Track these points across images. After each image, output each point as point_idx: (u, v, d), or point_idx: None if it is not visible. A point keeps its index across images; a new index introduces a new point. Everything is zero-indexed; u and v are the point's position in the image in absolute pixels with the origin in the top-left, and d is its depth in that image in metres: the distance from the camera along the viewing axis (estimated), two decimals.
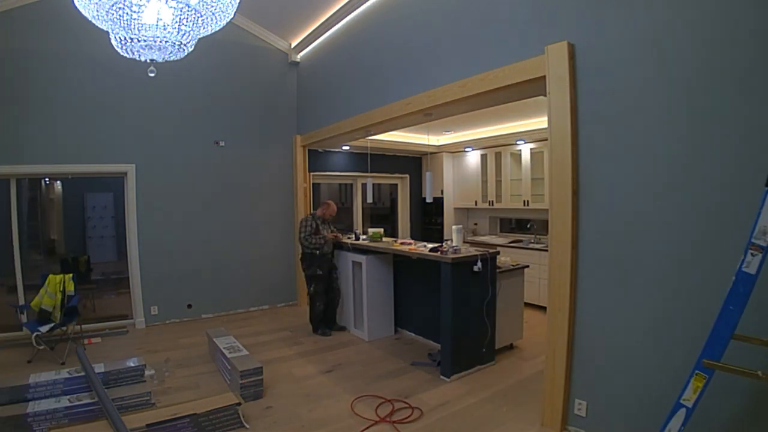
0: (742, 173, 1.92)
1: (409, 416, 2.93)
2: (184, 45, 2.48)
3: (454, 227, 4.00)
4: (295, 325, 5.13)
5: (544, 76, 2.63)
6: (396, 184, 7.85)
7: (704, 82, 2.03)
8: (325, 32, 5.27)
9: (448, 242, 3.97)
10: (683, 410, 1.63)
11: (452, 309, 3.51)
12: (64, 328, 4.14)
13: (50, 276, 4.27)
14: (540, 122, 5.62)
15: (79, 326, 4.34)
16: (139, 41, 2.36)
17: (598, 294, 2.48)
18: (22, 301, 4.56)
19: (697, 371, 1.63)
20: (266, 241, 5.94)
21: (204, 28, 2.36)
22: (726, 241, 1.98)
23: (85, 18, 2.22)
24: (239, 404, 2.65)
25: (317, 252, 4.65)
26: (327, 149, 6.57)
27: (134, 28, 2.22)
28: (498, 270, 3.92)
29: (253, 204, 5.82)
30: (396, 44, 4.07)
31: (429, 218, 7.87)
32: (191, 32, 2.35)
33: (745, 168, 1.92)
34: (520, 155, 6.33)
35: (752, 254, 1.56)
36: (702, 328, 2.03)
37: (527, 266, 4.45)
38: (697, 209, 2.08)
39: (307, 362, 3.96)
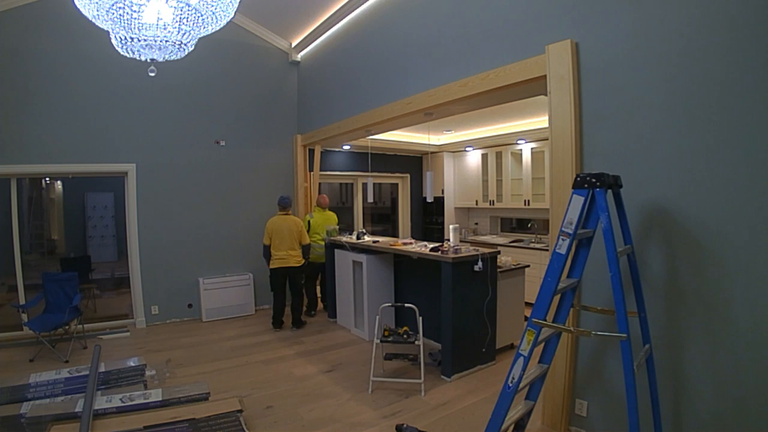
0: (746, 172, 1.91)
1: (409, 416, 2.93)
2: (185, 44, 2.48)
3: (451, 226, 4.00)
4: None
5: (545, 76, 2.62)
6: (397, 184, 7.85)
7: (709, 81, 2.02)
8: (326, 32, 5.27)
9: (449, 242, 3.96)
10: (521, 358, 1.93)
11: (453, 309, 3.50)
12: (67, 327, 4.16)
13: None
14: (541, 122, 5.61)
15: (81, 325, 4.37)
16: (139, 41, 2.36)
17: (598, 294, 2.48)
18: (22, 301, 4.56)
19: (529, 328, 1.94)
20: None
21: (204, 27, 2.36)
22: (725, 239, 1.97)
23: (86, 18, 2.22)
24: (241, 411, 2.62)
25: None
26: (327, 149, 6.56)
27: (134, 28, 2.22)
28: (499, 269, 3.92)
29: (253, 204, 5.81)
30: (396, 43, 4.06)
31: (430, 218, 7.87)
32: (191, 32, 2.35)
33: (747, 167, 1.91)
34: (520, 155, 6.33)
35: (562, 239, 1.91)
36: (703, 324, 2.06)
37: (528, 266, 4.45)
38: (700, 209, 2.07)
39: (307, 362, 3.96)
